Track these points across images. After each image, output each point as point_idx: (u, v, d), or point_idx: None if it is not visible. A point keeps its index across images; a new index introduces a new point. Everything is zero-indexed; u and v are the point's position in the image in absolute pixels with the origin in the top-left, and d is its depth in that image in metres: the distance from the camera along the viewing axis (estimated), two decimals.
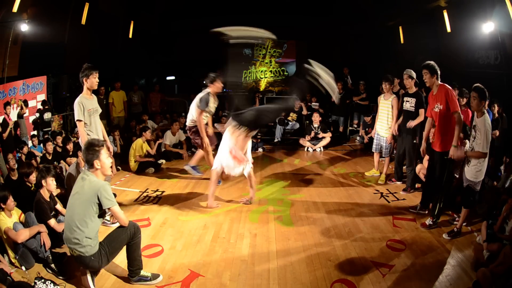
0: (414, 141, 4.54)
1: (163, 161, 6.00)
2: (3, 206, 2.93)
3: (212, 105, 4.77)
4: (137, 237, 2.68)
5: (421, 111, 4.38)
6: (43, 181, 3.27)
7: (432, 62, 3.59)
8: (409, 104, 4.53)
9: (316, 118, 7.00)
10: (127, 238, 2.62)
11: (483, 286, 2.45)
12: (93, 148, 2.53)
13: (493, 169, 4.50)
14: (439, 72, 3.58)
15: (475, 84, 3.21)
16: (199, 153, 5.12)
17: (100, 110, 3.78)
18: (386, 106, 4.97)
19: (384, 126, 4.99)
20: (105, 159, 2.57)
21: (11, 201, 2.98)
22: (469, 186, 3.32)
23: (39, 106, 6.82)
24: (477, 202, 3.56)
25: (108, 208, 2.51)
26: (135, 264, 2.69)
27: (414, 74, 4.44)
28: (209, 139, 4.92)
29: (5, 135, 5.27)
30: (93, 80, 3.54)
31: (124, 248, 2.67)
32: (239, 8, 9.46)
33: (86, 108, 3.53)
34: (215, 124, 7.39)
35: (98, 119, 3.72)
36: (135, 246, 2.67)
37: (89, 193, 2.45)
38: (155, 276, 2.74)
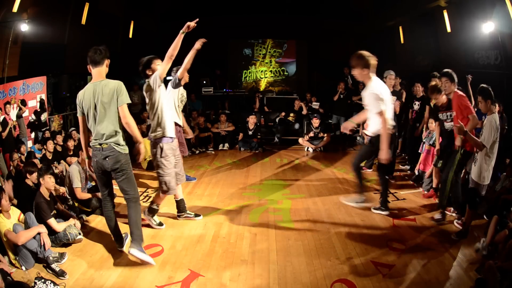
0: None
1: None
2: None
3: (181, 91, 4.45)
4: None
5: (397, 103, 5.08)
6: (40, 179, 3.27)
7: (450, 70, 3.64)
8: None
9: (316, 118, 7.00)
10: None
11: (488, 280, 2.43)
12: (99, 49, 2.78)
13: (494, 170, 4.50)
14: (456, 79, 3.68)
15: (480, 86, 3.33)
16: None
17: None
18: None
19: None
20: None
21: (5, 201, 2.96)
22: (474, 188, 3.35)
23: (38, 106, 6.83)
24: (478, 202, 3.57)
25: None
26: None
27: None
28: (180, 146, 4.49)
29: (4, 134, 5.27)
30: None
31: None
32: (239, 8, 9.46)
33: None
34: (215, 125, 7.41)
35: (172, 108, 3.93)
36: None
37: (112, 91, 2.72)
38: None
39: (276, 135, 7.72)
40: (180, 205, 3.77)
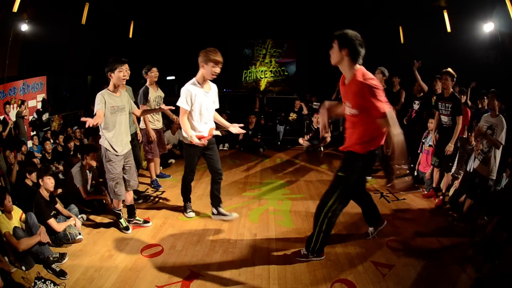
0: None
1: (173, 160, 6.01)
2: (1, 208, 2.92)
3: (154, 96, 4.49)
4: None
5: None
6: (40, 180, 3.27)
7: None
8: None
9: (316, 119, 7.00)
10: None
11: (487, 283, 2.44)
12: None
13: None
14: None
15: (492, 89, 3.56)
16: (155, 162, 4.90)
17: (127, 110, 3.41)
18: None
19: None
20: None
21: (8, 202, 2.96)
22: (487, 185, 3.52)
23: (39, 106, 6.83)
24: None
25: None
26: None
27: (386, 72, 4.77)
28: (159, 145, 4.72)
29: (4, 134, 5.27)
30: (119, 75, 3.18)
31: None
32: (239, 7, 9.45)
33: (109, 104, 3.17)
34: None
35: (124, 118, 3.35)
36: None
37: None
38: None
39: (278, 135, 7.71)
40: (131, 211, 3.68)
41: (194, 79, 3.33)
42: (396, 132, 2.33)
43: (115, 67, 3.16)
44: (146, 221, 3.72)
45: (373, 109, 2.36)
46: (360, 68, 2.48)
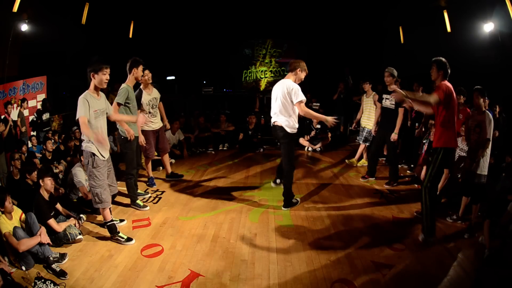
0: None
1: (173, 160, 6.01)
2: (1, 209, 2.92)
3: (147, 98, 4.45)
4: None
5: (401, 109, 4.54)
6: (40, 181, 3.27)
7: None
8: (389, 101, 4.66)
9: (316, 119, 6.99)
10: None
11: (486, 286, 2.44)
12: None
13: (495, 170, 4.51)
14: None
15: (476, 86, 3.57)
16: (165, 159, 5.05)
17: (105, 113, 3.29)
18: (369, 103, 5.51)
19: (369, 120, 5.51)
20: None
21: (9, 203, 2.96)
22: (480, 182, 3.52)
23: (39, 106, 6.83)
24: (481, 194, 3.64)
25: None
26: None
27: (395, 73, 4.63)
28: (158, 146, 4.72)
29: (5, 132, 5.27)
30: (102, 77, 3.05)
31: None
32: (239, 7, 9.45)
33: (92, 108, 3.04)
34: (215, 125, 7.41)
35: (105, 121, 3.27)
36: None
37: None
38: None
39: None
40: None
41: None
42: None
43: (99, 68, 3.01)
44: (121, 220, 3.73)
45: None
46: (445, 82, 3.22)
